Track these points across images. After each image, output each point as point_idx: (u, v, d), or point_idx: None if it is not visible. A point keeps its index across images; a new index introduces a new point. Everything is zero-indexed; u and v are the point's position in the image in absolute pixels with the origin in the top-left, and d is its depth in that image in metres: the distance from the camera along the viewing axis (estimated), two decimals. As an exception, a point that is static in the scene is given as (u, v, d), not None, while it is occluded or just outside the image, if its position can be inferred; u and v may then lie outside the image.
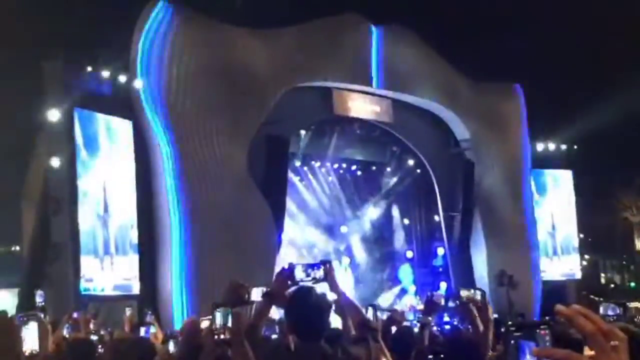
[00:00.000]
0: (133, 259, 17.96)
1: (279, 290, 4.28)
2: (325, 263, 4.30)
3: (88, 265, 16.85)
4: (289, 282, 4.25)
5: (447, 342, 5.82)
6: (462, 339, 5.62)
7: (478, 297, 5.28)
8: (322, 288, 4.21)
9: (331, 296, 4.29)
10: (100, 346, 6.41)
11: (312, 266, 4.27)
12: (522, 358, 1.80)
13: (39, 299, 13.59)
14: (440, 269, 26.18)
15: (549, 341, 1.75)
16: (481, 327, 5.12)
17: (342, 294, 4.44)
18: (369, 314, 7.24)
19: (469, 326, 5.40)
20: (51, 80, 17.01)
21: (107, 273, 17.27)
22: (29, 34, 16.60)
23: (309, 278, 4.22)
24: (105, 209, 17.44)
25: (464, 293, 5.31)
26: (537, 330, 1.77)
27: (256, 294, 4.33)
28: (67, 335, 8.06)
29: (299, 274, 4.24)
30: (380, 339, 5.18)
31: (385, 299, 24.90)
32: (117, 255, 17.56)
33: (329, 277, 4.27)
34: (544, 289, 26.24)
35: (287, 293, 4.32)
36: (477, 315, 5.17)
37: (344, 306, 4.46)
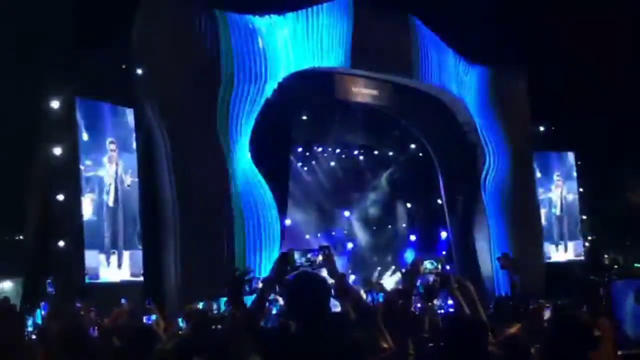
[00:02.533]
0: (141, 252, 17.56)
1: (278, 276, 4.30)
2: (324, 248, 4.31)
3: (93, 261, 16.38)
4: (288, 268, 4.26)
5: (446, 328, 5.74)
6: (459, 322, 5.52)
7: (430, 267, 5.12)
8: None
9: (330, 281, 4.30)
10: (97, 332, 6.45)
11: (311, 251, 4.28)
12: (624, 300, 1.66)
13: (49, 287, 13.60)
14: (444, 253, 26.17)
15: None
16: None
17: (341, 279, 4.45)
18: (368, 299, 7.23)
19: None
20: (52, 68, 16.95)
21: (114, 269, 16.78)
22: (30, 21, 16.53)
23: (308, 263, 4.24)
24: (116, 200, 17.21)
25: (423, 267, 5.07)
26: None
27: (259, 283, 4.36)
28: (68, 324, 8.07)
29: (298, 259, 4.25)
30: (380, 322, 5.17)
31: (388, 283, 24.92)
32: (125, 249, 17.18)
33: (327, 262, 4.28)
34: (548, 271, 26.22)
35: (286, 278, 4.33)
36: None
37: (343, 291, 4.47)
